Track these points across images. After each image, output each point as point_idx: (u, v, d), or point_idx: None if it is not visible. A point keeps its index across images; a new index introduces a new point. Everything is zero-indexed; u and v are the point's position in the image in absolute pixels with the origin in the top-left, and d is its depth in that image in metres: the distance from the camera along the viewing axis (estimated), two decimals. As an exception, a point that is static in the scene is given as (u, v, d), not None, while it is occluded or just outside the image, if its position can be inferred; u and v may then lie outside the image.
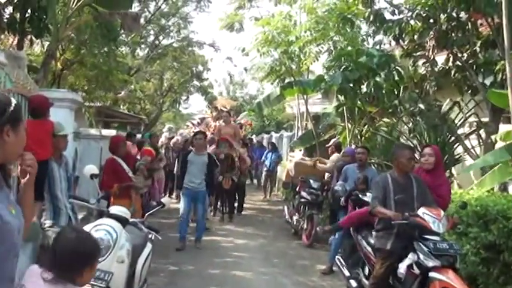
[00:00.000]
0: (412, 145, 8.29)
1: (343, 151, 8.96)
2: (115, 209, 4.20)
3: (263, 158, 16.32)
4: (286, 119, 28.76)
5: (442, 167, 5.54)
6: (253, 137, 23.57)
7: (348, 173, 7.49)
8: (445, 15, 8.07)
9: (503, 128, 7.61)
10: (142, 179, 6.90)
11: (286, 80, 13.91)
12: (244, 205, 12.62)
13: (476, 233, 5.14)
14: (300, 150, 13.86)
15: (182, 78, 28.18)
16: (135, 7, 20.12)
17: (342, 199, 7.16)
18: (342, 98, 9.86)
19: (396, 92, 9.46)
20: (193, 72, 28.55)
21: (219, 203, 11.80)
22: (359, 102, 9.81)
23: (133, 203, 6.26)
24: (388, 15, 8.54)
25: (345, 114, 10.71)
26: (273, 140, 20.50)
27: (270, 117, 31.10)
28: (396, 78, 9.13)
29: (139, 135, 12.73)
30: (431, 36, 8.30)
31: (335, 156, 9.29)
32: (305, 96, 14.03)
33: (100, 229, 3.85)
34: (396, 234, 4.74)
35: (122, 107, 27.45)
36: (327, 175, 9.55)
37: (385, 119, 10.16)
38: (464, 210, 5.24)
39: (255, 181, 19.50)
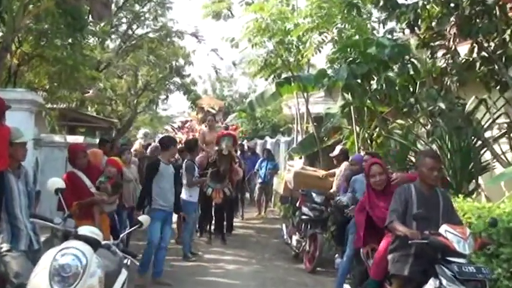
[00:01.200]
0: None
1: (351, 158, 8.99)
2: (84, 230, 4.18)
3: (256, 167, 16.25)
4: (283, 121, 28.79)
5: (390, 183, 5.75)
6: (245, 143, 23.56)
7: (357, 184, 7.52)
8: (469, -2, 8.11)
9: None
10: (105, 195, 6.87)
11: (283, 76, 13.95)
12: (236, 223, 12.63)
13: (509, 254, 5.14)
14: (300, 158, 13.90)
15: (160, 74, 28.13)
16: (105, -9, 20.10)
17: (349, 209, 7.22)
18: (348, 96, 9.89)
19: (412, 89, 9.49)
20: (173, 67, 28.50)
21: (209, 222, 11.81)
22: (368, 100, 9.82)
23: (97, 224, 6.22)
24: (401, -1, 8.61)
25: (352, 115, 10.74)
26: (268, 146, 20.54)
27: (264, 119, 31.19)
28: (411, 72, 9.15)
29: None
30: (452, 23, 8.33)
31: (344, 165, 9.32)
32: (305, 95, 14.07)
33: (67, 253, 3.82)
34: (414, 256, 4.76)
35: (89, 108, 27.39)
36: (334, 187, 9.59)
37: (399, 121, 10.18)
38: (494, 228, 5.23)
39: (247, 195, 19.49)
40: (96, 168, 7.24)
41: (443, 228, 4.62)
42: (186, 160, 10.04)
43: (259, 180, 16.02)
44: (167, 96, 31.88)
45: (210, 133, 12.03)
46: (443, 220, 4.78)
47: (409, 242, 4.63)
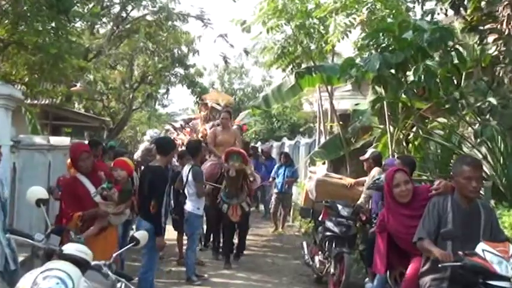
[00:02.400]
0: (480, 155, 8.26)
1: (384, 163, 8.96)
2: (71, 248, 4.19)
3: (272, 174, 16.18)
4: (303, 119, 28.89)
5: (416, 196, 5.65)
6: (258, 145, 23.57)
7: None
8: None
9: None
10: (112, 205, 6.71)
11: (303, 66, 13.92)
12: (249, 241, 12.59)
13: None
14: (324, 164, 13.86)
15: (159, 64, 28.22)
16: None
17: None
18: (380, 89, 9.89)
19: (456, 81, 9.45)
20: (175, 56, 28.59)
21: (214, 238, 11.88)
22: (404, 95, 9.78)
23: (100, 240, 6.23)
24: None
25: (385, 112, 10.71)
26: (286, 149, 20.54)
27: (282, 117, 31.28)
28: (456, 61, 9.11)
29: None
30: (506, 2, 8.28)
31: (376, 171, 9.31)
32: (329, 88, 14.03)
33: (50, 276, 3.82)
34: (450, 280, 4.73)
35: (77, 105, 27.58)
36: (362, 197, 9.58)
37: (441, 119, 10.15)
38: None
39: (262, 207, 19.50)
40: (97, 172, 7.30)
41: (480, 247, 4.57)
42: (191, 165, 10.02)
43: (276, 190, 15.91)
44: (168, 90, 31.95)
45: (224, 132, 11.87)
46: (485, 238, 4.74)
47: (440, 265, 4.61)
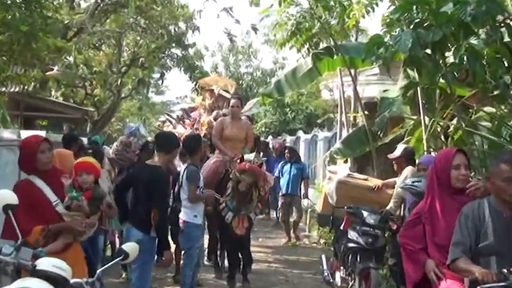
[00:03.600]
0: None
1: (418, 162, 8.93)
2: (45, 263, 4.17)
3: (276, 173, 15.93)
4: (321, 109, 28.83)
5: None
6: (269, 139, 23.52)
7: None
8: None
9: None
10: (80, 217, 6.58)
11: (322, 45, 13.86)
12: (258, 254, 12.58)
13: None
14: (346, 162, 13.83)
15: (153, 43, 28.28)
16: None
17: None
18: (413, 73, 9.86)
19: (507, 63, 9.38)
20: (171, 34, 28.61)
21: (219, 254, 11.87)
22: (442, 79, 9.71)
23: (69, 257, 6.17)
24: None
25: (419, 100, 10.66)
26: (302, 144, 20.50)
27: (296, 106, 31.24)
28: (506, 39, 9.05)
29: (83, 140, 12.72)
30: None
31: (409, 171, 9.25)
32: (353, 72, 13.97)
33: (21, 296, 3.82)
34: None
35: (54, 93, 27.62)
36: (392, 201, 9.55)
37: (488, 108, 10.08)
38: None
39: (273, 213, 19.44)
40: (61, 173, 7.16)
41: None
42: (186, 165, 9.96)
43: (282, 192, 15.76)
44: (162, 75, 32.08)
45: (233, 124, 11.58)
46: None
47: (480, 287, 4.50)
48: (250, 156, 10.62)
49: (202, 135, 12.52)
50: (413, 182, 8.25)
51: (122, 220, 8.20)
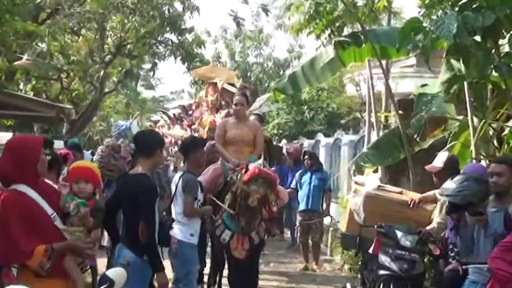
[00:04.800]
0: None
1: (463, 171, 8.87)
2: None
3: (293, 184, 15.76)
4: (346, 108, 28.80)
5: None
6: (283, 144, 23.47)
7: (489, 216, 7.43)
8: None
9: None
10: (82, 232, 6.54)
11: (347, 31, 13.83)
12: (269, 282, 12.54)
13: None
14: (376, 171, 13.78)
15: (142, 27, 28.31)
16: None
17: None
18: (458, 64, 9.83)
19: None
20: (165, 16, 28.65)
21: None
22: (494, 72, 9.70)
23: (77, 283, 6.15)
24: None
25: (466, 97, 10.62)
26: (322, 149, 20.42)
27: (315, 104, 31.18)
28: None
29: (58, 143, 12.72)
30: None
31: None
32: (384, 63, 13.94)
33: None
34: None
35: (22, 86, 27.64)
36: (435, 221, 9.49)
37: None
38: None
39: (288, 232, 19.38)
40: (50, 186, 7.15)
41: None
42: (182, 173, 9.93)
43: (301, 207, 15.60)
44: (155, 65, 32.07)
45: (238, 126, 11.50)
46: None
47: None
48: (256, 164, 10.36)
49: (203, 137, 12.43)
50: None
51: (114, 244, 8.16)
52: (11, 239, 5.65)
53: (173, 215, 9.63)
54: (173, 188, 9.78)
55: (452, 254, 8.33)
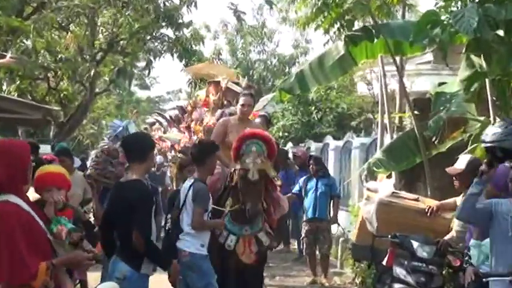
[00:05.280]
0: None
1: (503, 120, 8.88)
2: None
3: (295, 189, 15.67)
4: (357, 108, 28.77)
5: None
6: (288, 147, 23.45)
7: (501, 216, 7.44)
8: None
9: None
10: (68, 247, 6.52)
11: (358, 25, 13.81)
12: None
13: None
14: (389, 177, 13.74)
15: (137, 22, 28.30)
16: None
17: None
18: (479, 60, 9.81)
19: None
20: (160, 10, 28.66)
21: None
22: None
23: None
24: None
25: (488, 95, 10.59)
26: (331, 153, 20.38)
27: (324, 104, 31.12)
28: None
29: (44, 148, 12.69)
30: None
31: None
32: (398, 60, 13.91)
33: None
34: None
35: (5, 87, 27.63)
36: (455, 230, 9.47)
37: None
38: None
39: (294, 243, 19.36)
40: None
41: None
42: (193, 180, 9.85)
43: (307, 216, 15.53)
44: (149, 63, 32.06)
45: (240, 127, 11.33)
46: None
47: None
48: None
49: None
50: None
51: (108, 257, 8.12)
52: (15, 256, 5.58)
53: (183, 226, 9.62)
54: (182, 196, 9.69)
55: (466, 258, 8.28)
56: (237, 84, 14.52)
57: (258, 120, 12.72)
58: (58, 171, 7.12)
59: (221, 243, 10.31)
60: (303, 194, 15.52)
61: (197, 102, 15.85)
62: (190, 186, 9.61)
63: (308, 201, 15.42)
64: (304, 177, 15.94)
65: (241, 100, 11.84)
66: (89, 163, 10.74)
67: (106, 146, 11.09)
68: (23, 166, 5.95)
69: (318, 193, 15.34)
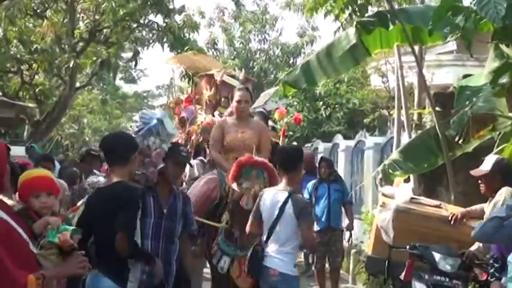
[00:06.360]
0: None
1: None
2: None
3: (305, 196, 15.67)
4: (370, 104, 28.77)
5: None
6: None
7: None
8: None
9: None
10: (56, 255, 6.54)
11: (372, 10, 13.86)
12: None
13: None
14: (407, 181, 13.78)
15: (121, 8, 28.31)
16: None
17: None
18: (508, 50, 9.87)
19: None
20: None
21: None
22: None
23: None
24: None
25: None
26: (341, 154, 20.40)
27: (333, 99, 31.16)
28: None
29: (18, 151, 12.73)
30: None
31: (505, 193, 9.20)
32: (417, 49, 13.96)
33: None
34: None
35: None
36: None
37: None
38: None
39: (300, 255, 19.40)
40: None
41: None
42: (288, 193, 9.70)
43: (317, 226, 15.26)
44: (136, 54, 32.03)
45: (239, 127, 11.33)
46: None
47: None
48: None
49: (189, 145, 12.37)
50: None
51: None
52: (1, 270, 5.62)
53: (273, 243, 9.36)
54: (274, 209, 9.33)
55: (491, 271, 8.34)
56: (233, 77, 14.43)
57: (255, 118, 12.51)
58: (45, 175, 7.11)
59: (213, 265, 10.33)
60: (314, 200, 15.44)
61: (178, 101, 15.79)
62: (288, 198, 9.22)
63: (320, 209, 15.41)
64: (313, 181, 15.91)
65: (237, 96, 11.65)
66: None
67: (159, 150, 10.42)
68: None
69: (331, 200, 15.39)
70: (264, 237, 9.28)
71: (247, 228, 9.53)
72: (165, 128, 10.87)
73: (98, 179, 10.49)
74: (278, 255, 9.07)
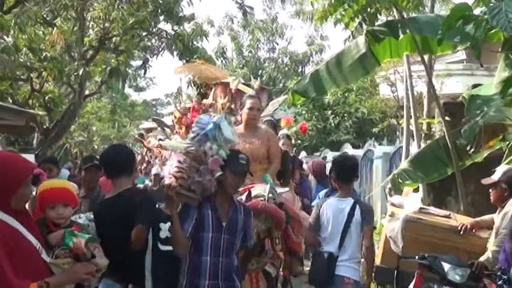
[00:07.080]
0: None
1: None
2: None
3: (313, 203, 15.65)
4: (379, 113, 28.73)
5: None
6: (302, 157, 23.46)
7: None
8: None
9: None
10: (68, 264, 6.51)
11: (381, 19, 13.83)
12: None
13: None
14: (416, 190, 13.73)
15: (131, 16, 28.32)
16: None
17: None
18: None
19: None
20: (158, 2, 28.67)
21: None
22: None
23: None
24: None
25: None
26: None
27: (341, 108, 31.13)
28: None
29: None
30: None
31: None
32: (426, 59, 13.91)
33: None
34: None
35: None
36: (490, 250, 9.44)
37: None
38: None
39: (308, 263, 19.28)
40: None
41: None
42: (354, 201, 9.97)
43: None
44: (146, 62, 32.04)
45: (247, 136, 11.21)
46: None
47: None
48: (261, 190, 9.71)
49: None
50: None
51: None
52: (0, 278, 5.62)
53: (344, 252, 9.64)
54: (341, 216, 9.72)
55: (500, 282, 8.28)
56: (248, 86, 14.35)
57: (263, 126, 12.36)
58: (63, 186, 7.10)
59: None
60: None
61: (185, 110, 15.74)
62: (355, 204, 9.73)
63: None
64: (325, 191, 15.64)
65: (249, 103, 11.48)
66: (166, 170, 9.02)
67: (192, 148, 9.34)
68: (18, 183, 6.04)
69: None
70: (334, 246, 9.64)
71: (305, 240, 10.13)
72: (222, 133, 10.37)
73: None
74: (351, 264, 9.51)
